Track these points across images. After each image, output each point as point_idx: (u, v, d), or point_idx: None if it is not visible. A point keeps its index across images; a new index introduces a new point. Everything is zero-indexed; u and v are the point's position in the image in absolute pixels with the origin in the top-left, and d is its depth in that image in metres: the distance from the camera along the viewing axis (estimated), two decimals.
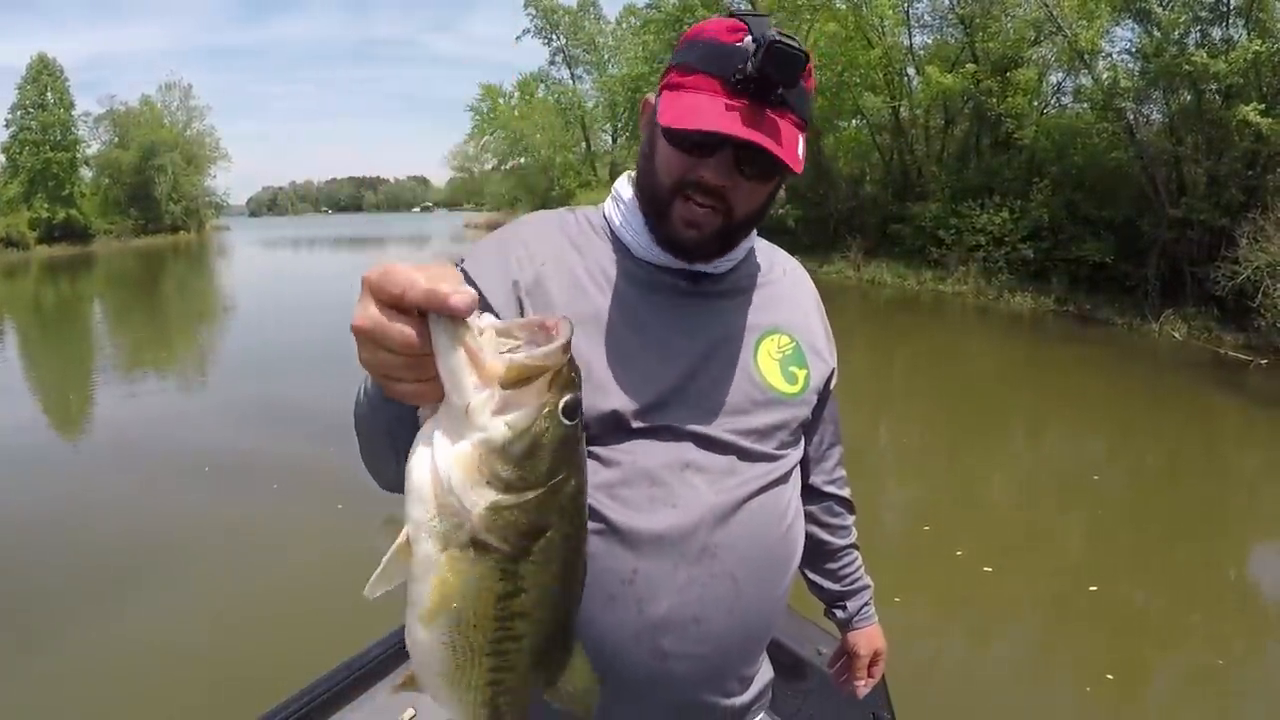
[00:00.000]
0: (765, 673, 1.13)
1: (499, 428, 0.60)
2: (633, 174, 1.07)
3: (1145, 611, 4.40)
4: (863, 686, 1.36)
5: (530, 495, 0.62)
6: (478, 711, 0.70)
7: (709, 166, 0.92)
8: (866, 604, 1.35)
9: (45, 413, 8.86)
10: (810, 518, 1.26)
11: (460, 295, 0.56)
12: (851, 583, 1.34)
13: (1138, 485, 6.62)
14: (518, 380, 0.60)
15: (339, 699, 2.01)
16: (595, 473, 0.93)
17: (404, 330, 0.58)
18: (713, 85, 0.90)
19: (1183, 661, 4.00)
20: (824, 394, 1.15)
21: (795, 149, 0.92)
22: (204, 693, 3.22)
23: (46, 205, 38.57)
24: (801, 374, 1.07)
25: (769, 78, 0.88)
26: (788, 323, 1.10)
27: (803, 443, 1.14)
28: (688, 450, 0.97)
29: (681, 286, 1.03)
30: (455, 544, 0.61)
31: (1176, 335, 12.26)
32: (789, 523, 1.06)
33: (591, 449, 0.93)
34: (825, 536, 1.30)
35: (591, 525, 0.91)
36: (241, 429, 7.38)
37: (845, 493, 1.32)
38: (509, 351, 0.61)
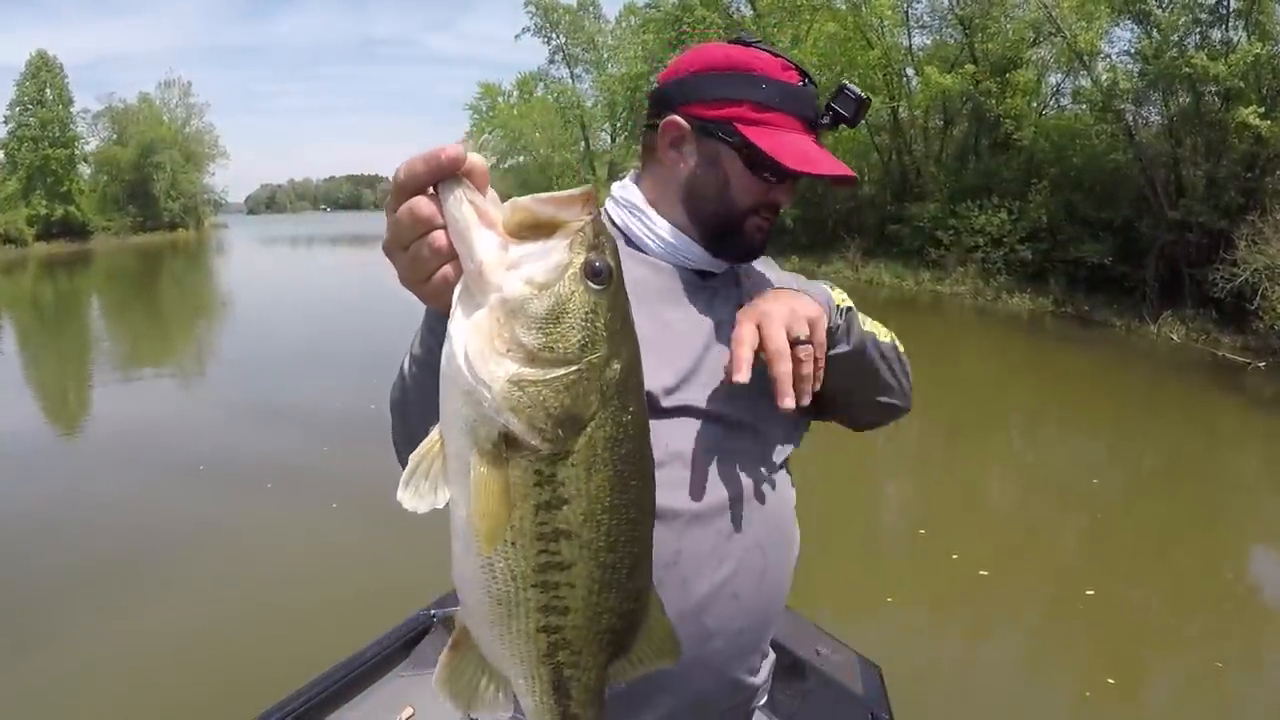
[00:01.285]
0: (769, 654, 1.17)
1: (515, 284, 0.54)
2: (625, 181, 1.14)
3: (1143, 614, 4.40)
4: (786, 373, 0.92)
5: (560, 372, 0.55)
6: (537, 670, 0.62)
7: (783, 191, 1.06)
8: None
9: (43, 411, 8.85)
10: None
11: (454, 145, 0.56)
12: None
13: (1135, 488, 6.63)
14: (524, 226, 0.55)
15: (337, 697, 2.00)
16: None
17: (412, 201, 0.57)
18: (794, 124, 1.04)
19: (1181, 664, 4.00)
20: None
21: None
22: (201, 692, 3.21)
23: (45, 202, 38.52)
24: None
25: (847, 122, 1.07)
26: None
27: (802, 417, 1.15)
28: (713, 430, 1.01)
29: (688, 279, 1.08)
30: (485, 438, 0.55)
31: (1175, 337, 12.27)
32: (793, 501, 1.12)
33: None
34: None
35: None
36: (237, 428, 7.36)
37: None
38: None
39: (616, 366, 0.57)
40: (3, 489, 5.82)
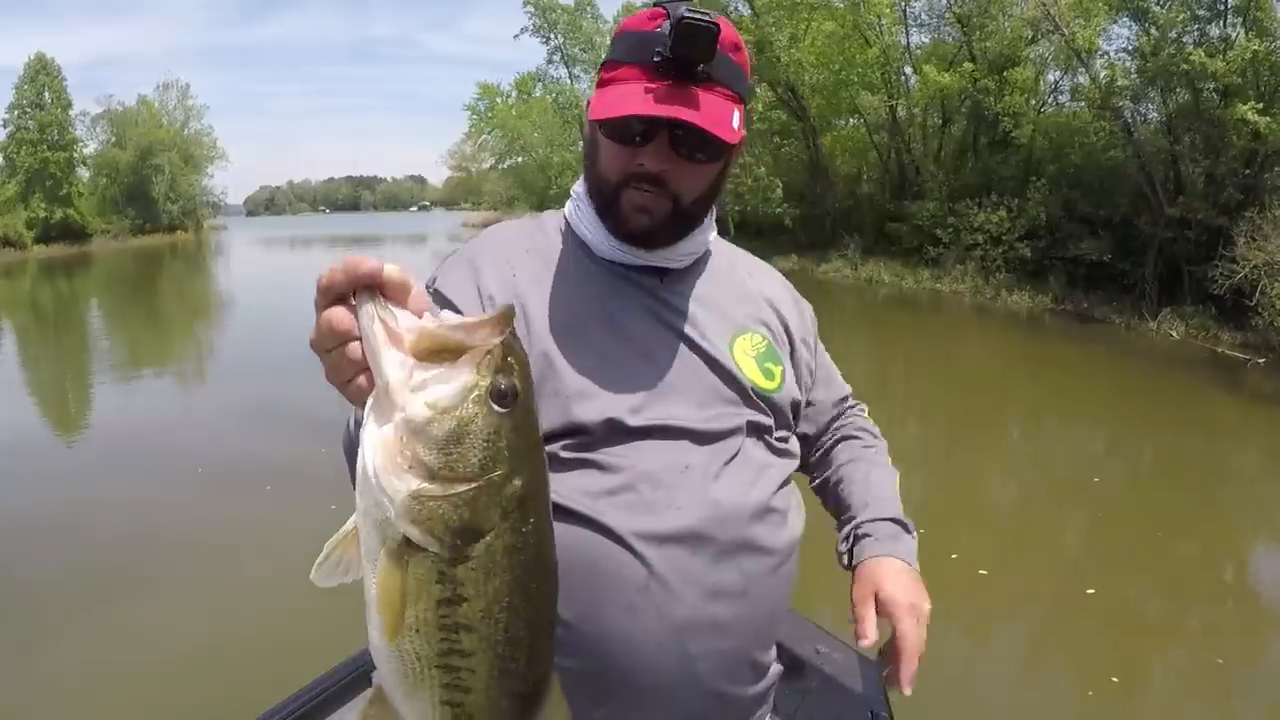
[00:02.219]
0: (776, 664, 1.12)
1: (418, 406, 0.56)
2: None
3: (1145, 612, 4.40)
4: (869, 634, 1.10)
5: (460, 488, 0.57)
6: None
7: (647, 154, 0.93)
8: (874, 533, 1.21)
9: (41, 413, 8.84)
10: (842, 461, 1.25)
11: (370, 261, 0.57)
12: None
13: (1136, 485, 6.62)
14: (430, 351, 0.57)
15: (335, 700, 2.00)
16: (596, 480, 0.93)
17: (329, 313, 0.59)
18: (635, 73, 0.92)
19: (1182, 661, 3.99)
20: (804, 374, 1.17)
21: (727, 120, 0.92)
22: (199, 694, 3.21)
23: (43, 205, 38.46)
24: (778, 370, 1.08)
25: (684, 55, 0.89)
26: (757, 322, 1.11)
27: (792, 436, 1.13)
28: (685, 448, 0.97)
29: (649, 285, 1.03)
30: (390, 538, 0.58)
31: (1174, 334, 12.28)
32: (783, 509, 1.05)
33: (590, 456, 0.94)
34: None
35: (599, 534, 0.91)
36: (235, 430, 7.35)
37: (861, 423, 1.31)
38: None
39: (518, 483, 0.60)
40: (1, 491, 5.82)
